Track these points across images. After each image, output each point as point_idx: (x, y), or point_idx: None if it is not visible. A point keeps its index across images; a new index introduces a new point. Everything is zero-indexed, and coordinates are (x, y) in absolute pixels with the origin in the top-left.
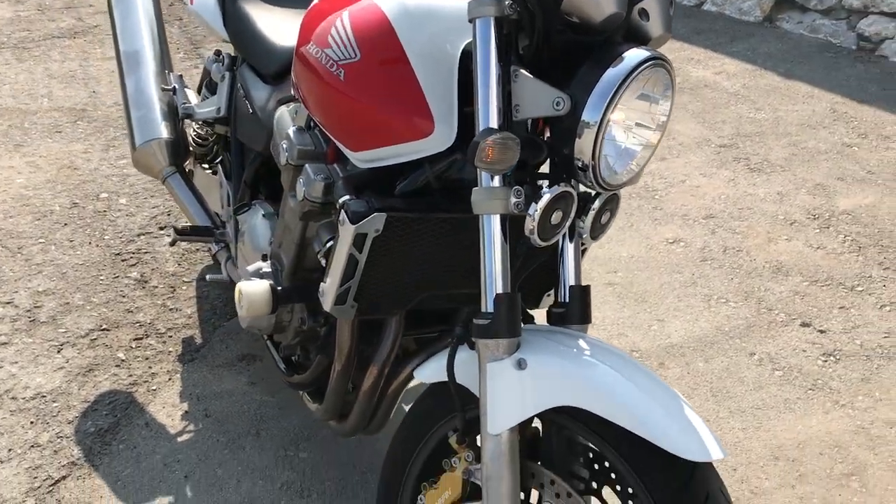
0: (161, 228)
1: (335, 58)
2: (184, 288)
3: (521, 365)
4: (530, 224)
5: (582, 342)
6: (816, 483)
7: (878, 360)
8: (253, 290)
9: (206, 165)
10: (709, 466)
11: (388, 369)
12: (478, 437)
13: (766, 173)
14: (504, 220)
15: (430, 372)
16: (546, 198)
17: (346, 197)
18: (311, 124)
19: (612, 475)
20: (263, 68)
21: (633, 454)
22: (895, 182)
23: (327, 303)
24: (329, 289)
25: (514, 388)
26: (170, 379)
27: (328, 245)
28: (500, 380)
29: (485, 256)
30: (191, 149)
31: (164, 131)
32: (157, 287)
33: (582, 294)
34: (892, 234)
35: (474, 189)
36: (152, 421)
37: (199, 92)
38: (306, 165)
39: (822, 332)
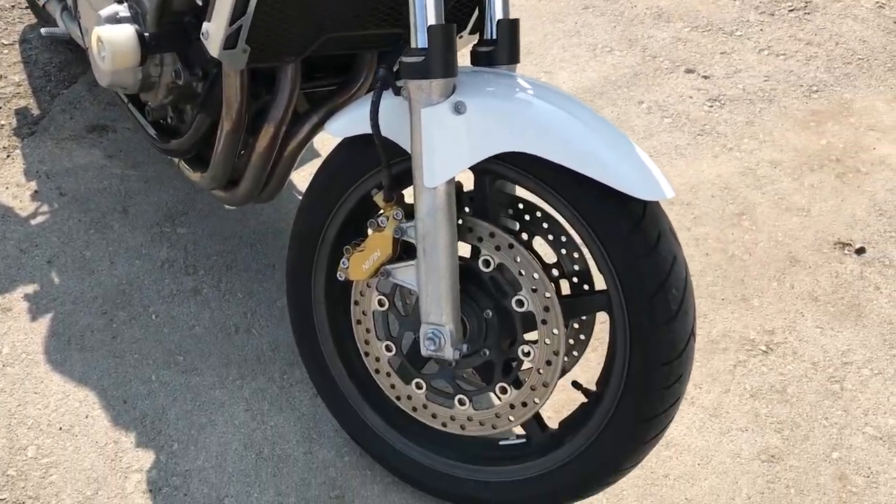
0: None
1: None
2: (4, 52)
3: (458, 109)
4: None
5: (521, 81)
6: (711, 224)
7: (760, 104)
8: (116, 36)
9: None
10: (658, 206)
11: (284, 127)
12: (404, 192)
13: None
14: None
15: (345, 124)
16: None
17: None
18: None
19: (544, 224)
20: None
21: (580, 199)
22: None
23: (214, 47)
24: (215, 29)
25: (452, 136)
26: (8, 156)
27: None
28: (437, 127)
29: None
30: None
31: None
32: None
33: (511, 29)
34: None
35: None
36: None
37: None
38: None
39: (706, 77)
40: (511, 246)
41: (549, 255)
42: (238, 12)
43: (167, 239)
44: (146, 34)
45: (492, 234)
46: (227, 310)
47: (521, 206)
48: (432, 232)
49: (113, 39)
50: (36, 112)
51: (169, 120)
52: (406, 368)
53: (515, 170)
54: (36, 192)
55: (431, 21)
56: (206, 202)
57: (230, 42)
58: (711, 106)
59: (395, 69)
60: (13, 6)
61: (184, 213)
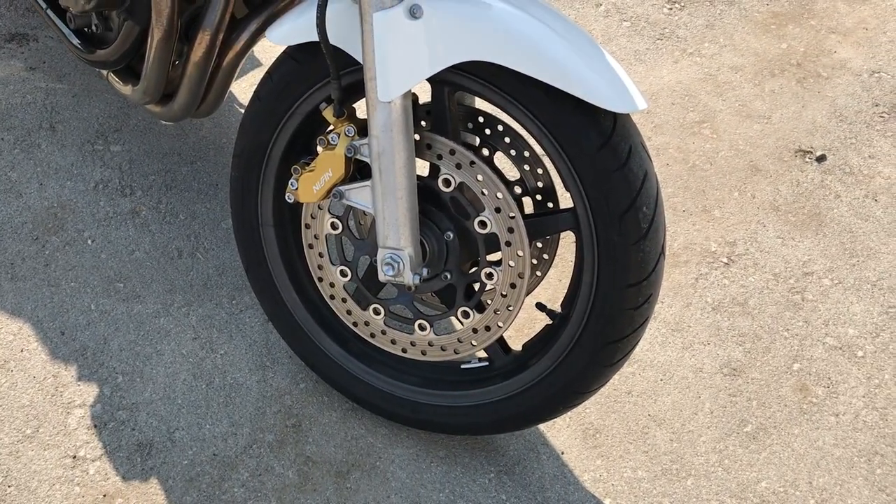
0: None
1: None
2: None
3: (414, 13)
4: None
5: None
6: (671, 133)
7: (720, 5)
8: None
9: None
10: (628, 119)
11: (221, 35)
12: (355, 106)
13: None
14: None
15: (288, 32)
16: None
17: None
18: None
19: (506, 139)
20: None
21: (546, 112)
22: None
23: None
24: None
25: (407, 44)
26: None
27: None
28: (391, 34)
29: None
30: None
31: None
32: None
33: None
34: None
35: None
36: None
37: None
38: None
39: None
40: (472, 164)
41: (511, 172)
42: None
43: (100, 158)
44: None
45: (452, 152)
46: (169, 233)
47: (480, 119)
48: (388, 150)
49: None
50: None
51: (94, 28)
52: (362, 293)
53: (477, 80)
54: None
55: None
56: (140, 117)
57: None
58: (671, 8)
59: None
60: None
61: (117, 130)
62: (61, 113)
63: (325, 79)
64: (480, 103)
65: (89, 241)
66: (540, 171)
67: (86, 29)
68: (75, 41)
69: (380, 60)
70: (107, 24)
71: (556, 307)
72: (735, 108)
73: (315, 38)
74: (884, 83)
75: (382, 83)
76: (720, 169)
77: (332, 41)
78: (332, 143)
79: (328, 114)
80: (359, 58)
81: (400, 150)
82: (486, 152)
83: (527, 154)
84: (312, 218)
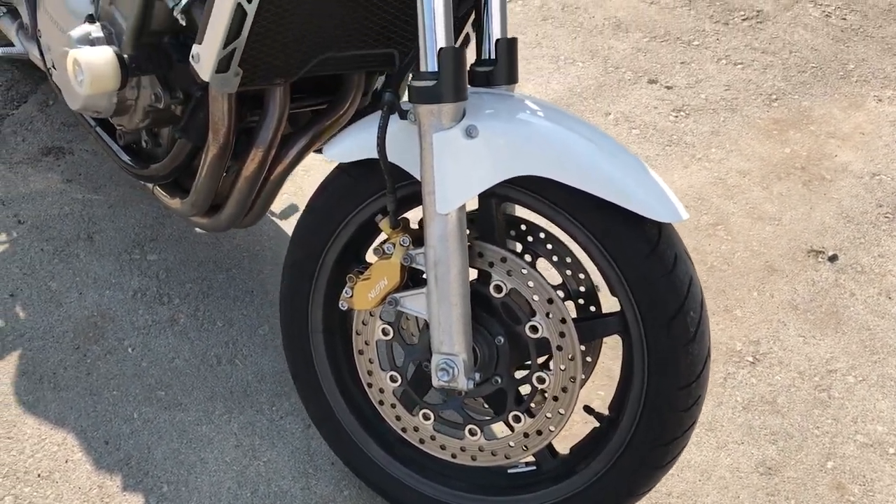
0: None
1: None
2: None
3: (470, 133)
4: None
5: (530, 103)
6: (687, 235)
7: (723, 113)
8: (95, 59)
9: None
10: (671, 228)
11: (273, 152)
12: (408, 216)
13: None
14: None
15: (346, 149)
16: None
17: None
18: None
19: (548, 245)
20: None
21: (595, 223)
22: None
23: (205, 71)
24: (207, 53)
25: (464, 161)
26: None
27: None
28: (449, 152)
29: (423, 3)
30: None
31: None
32: None
33: (510, 48)
34: None
35: None
36: None
37: None
38: None
39: (668, 87)
40: (524, 270)
41: (553, 276)
42: (232, 35)
43: (137, 266)
44: (125, 56)
45: (503, 259)
46: (208, 340)
47: (522, 226)
48: (444, 259)
49: (92, 63)
50: None
51: (143, 144)
52: (410, 397)
53: (526, 192)
54: None
55: (441, 44)
56: (175, 226)
57: (222, 65)
58: (677, 116)
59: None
60: None
61: (153, 239)
62: (98, 223)
63: (378, 192)
64: (520, 211)
65: (130, 350)
66: (582, 275)
67: (134, 144)
68: (124, 157)
69: (438, 177)
70: (156, 140)
71: (604, 410)
72: (746, 210)
73: (371, 155)
74: (885, 185)
75: (441, 197)
76: (738, 269)
77: (388, 158)
78: (387, 252)
79: (384, 225)
80: (414, 173)
81: (455, 259)
82: (528, 258)
83: (568, 259)
84: (364, 324)
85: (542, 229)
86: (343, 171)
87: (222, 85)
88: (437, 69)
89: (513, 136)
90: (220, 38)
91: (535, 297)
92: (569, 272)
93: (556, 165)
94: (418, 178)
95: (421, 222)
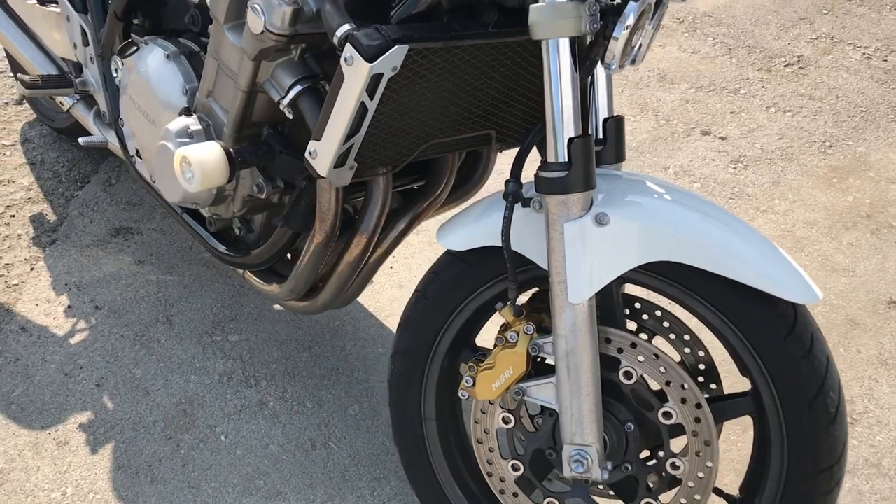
0: None
1: None
2: (6, 154)
3: (601, 221)
4: (613, 48)
5: (653, 184)
6: None
7: (780, 162)
8: (206, 156)
9: None
10: (805, 308)
11: (377, 237)
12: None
13: None
14: (574, 43)
15: (464, 238)
16: (633, 14)
17: (347, 27)
18: None
19: (665, 324)
20: None
21: (730, 305)
22: None
23: (323, 166)
24: (325, 149)
25: (596, 249)
26: (32, 269)
27: (293, 92)
28: (580, 241)
29: (552, 92)
30: None
31: None
32: None
33: (617, 127)
34: (753, 33)
35: (534, 7)
36: (28, 324)
37: None
38: None
39: (722, 138)
40: (656, 356)
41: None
42: (352, 131)
43: (220, 349)
44: (232, 150)
45: (633, 345)
46: (299, 423)
47: (637, 305)
48: (575, 349)
49: (203, 160)
50: (52, 218)
51: (236, 230)
52: (530, 484)
53: (654, 276)
54: (69, 307)
55: (571, 133)
56: (253, 304)
57: (339, 161)
58: (735, 168)
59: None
60: (6, 103)
61: (232, 319)
62: (175, 305)
63: (493, 279)
64: (630, 288)
65: (223, 437)
66: (701, 353)
67: (228, 230)
68: (218, 246)
69: (570, 267)
70: (248, 226)
71: (734, 492)
72: (819, 262)
73: (490, 243)
74: None
75: (573, 287)
76: (820, 325)
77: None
78: (510, 340)
79: (506, 314)
80: (537, 261)
81: (587, 348)
82: (644, 336)
83: (687, 337)
84: (482, 413)
85: (658, 307)
86: (457, 257)
87: (338, 178)
88: (567, 159)
89: (645, 222)
90: (340, 135)
91: (669, 383)
92: (687, 350)
93: (690, 250)
94: (541, 265)
95: (536, 307)
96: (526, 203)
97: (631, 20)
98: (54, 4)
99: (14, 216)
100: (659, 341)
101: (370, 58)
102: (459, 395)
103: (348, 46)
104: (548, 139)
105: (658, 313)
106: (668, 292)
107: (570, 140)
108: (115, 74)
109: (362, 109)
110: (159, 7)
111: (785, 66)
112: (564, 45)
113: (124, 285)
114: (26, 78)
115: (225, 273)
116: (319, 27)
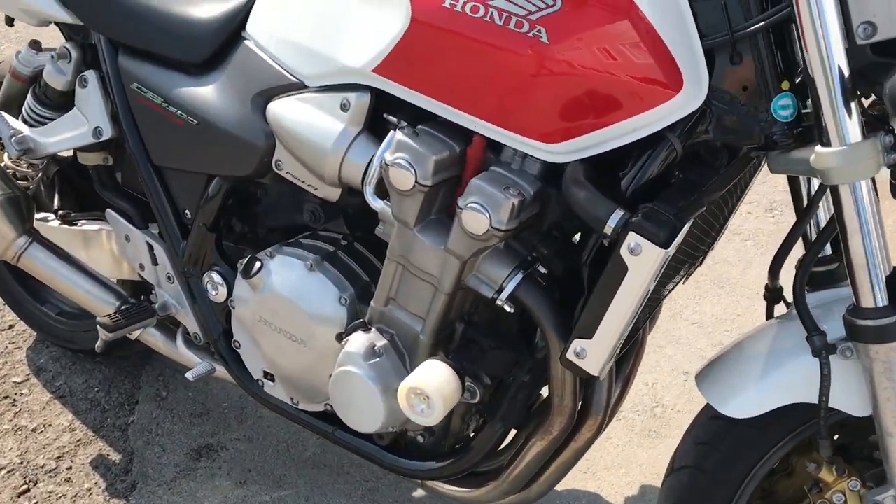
0: None
1: (519, 11)
2: (25, 393)
3: None
4: None
5: None
6: None
7: None
8: (442, 383)
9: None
10: None
11: (608, 421)
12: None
13: None
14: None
15: (756, 401)
16: None
17: (620, 213)
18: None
19: None
20: (181, 53)
21: None
22: None
23: (596, 365)
24: (601, 346)
25: None
26: None
27: (511, 285)
28: None
29: (861, 235)
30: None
31: None
32: None
33: None
34: None
35: (823, 153)
36: None
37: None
38: (474, 181)
39: None
40: None
41: None
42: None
43: None
44: (454, 364)
45: None
46: None
47: None
48: None
49: (441, 388)
50: (117, 458)
51: (419, 438)
52: None
53: None
54: None
55: (886, 272)
56: (391, 499)
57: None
58: (773, 216)
59: None
60: (10, 326)
61: None
62: None
63: (784, 436)
64: None
65: None
66: None
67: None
68: (399, 462)
69: None
70: (430, 431)
71: None
72: None
73: (787, 401)
74: None
75: None
76: None
77: (800, 399)
78: (834, 501)
79: (826, 475)
80: (849, 411)
81: None
82: None
83: None
84: None
85: None
86: (737, 422)
87: (601, 374)
88: (887, 302)
89: None
90: (622, 328)
91: None
92: None
93: None
94: (854, 414)
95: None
96: (831, 350)
97: None
98: (87, 221)
99: (71, 468)
100: None
101: (664, 243)
102: None
103: (633, 234)
104: (859, 283)
105: None
106: None
107: (889, 278)
108: (211, 292)
109: (644, 295)
110: (259, 209)
111: None
112: (864, 187)
113: None
114: (107, 321)
115: (344, 471)
116: (535, 208)
